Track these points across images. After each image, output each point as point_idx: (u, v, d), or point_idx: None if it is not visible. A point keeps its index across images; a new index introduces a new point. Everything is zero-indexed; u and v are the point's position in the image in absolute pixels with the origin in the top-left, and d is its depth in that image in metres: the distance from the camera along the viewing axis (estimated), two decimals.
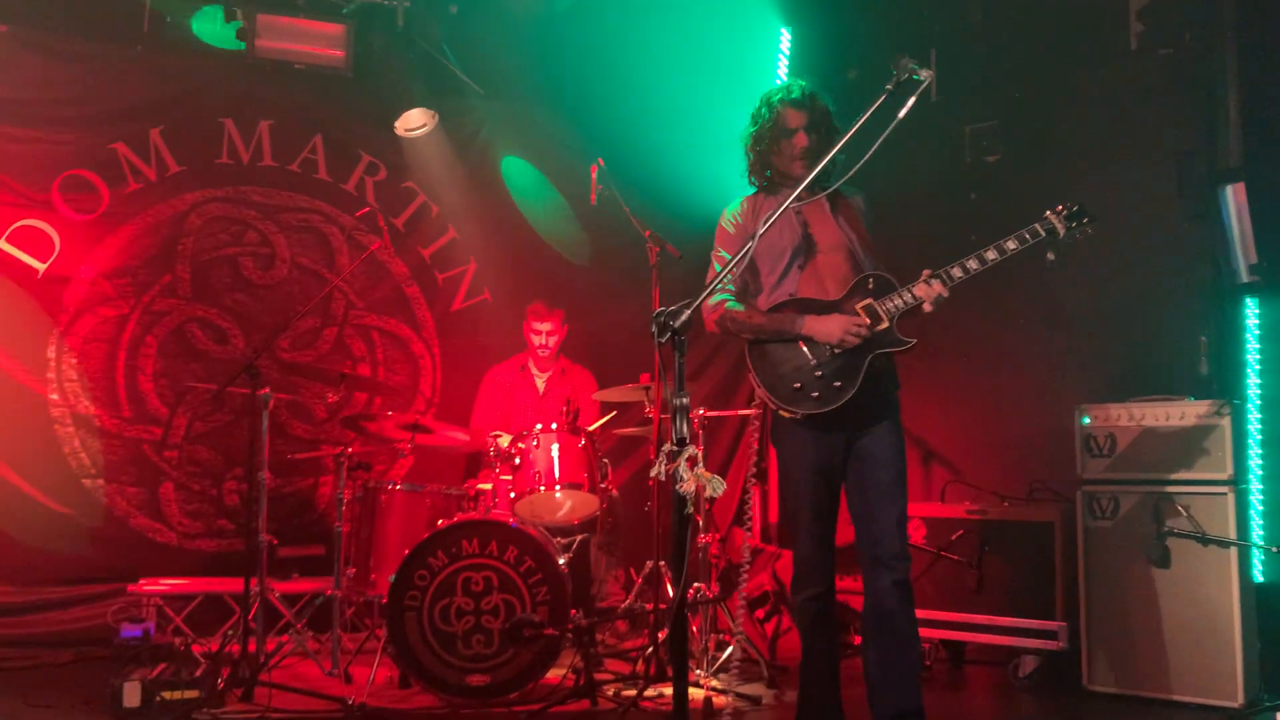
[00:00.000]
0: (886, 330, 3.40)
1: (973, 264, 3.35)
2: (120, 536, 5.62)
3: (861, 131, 2.92)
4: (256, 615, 4.70)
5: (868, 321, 3.37)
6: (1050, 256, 3.44)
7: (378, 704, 4.25)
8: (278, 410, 5.87)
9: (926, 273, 3.36)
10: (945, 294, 3.33)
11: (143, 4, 5.70)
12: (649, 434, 5.11)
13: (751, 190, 3.70)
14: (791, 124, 3.50)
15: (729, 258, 3.55)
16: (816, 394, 3.38)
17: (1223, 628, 4.17)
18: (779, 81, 3.41)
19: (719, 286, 3.52)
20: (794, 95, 3.52)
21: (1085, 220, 3.42)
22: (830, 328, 3.37)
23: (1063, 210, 3.42)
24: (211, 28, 5.85)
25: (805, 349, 3.42)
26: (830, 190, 3.36)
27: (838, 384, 3.37)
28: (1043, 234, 3.40)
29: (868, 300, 3.43)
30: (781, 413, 3.46)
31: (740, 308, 3.54)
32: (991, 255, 3.35)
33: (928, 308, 3.36)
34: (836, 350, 3.38)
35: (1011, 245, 3.36)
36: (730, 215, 3.66)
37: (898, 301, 3.40)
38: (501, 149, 6.56)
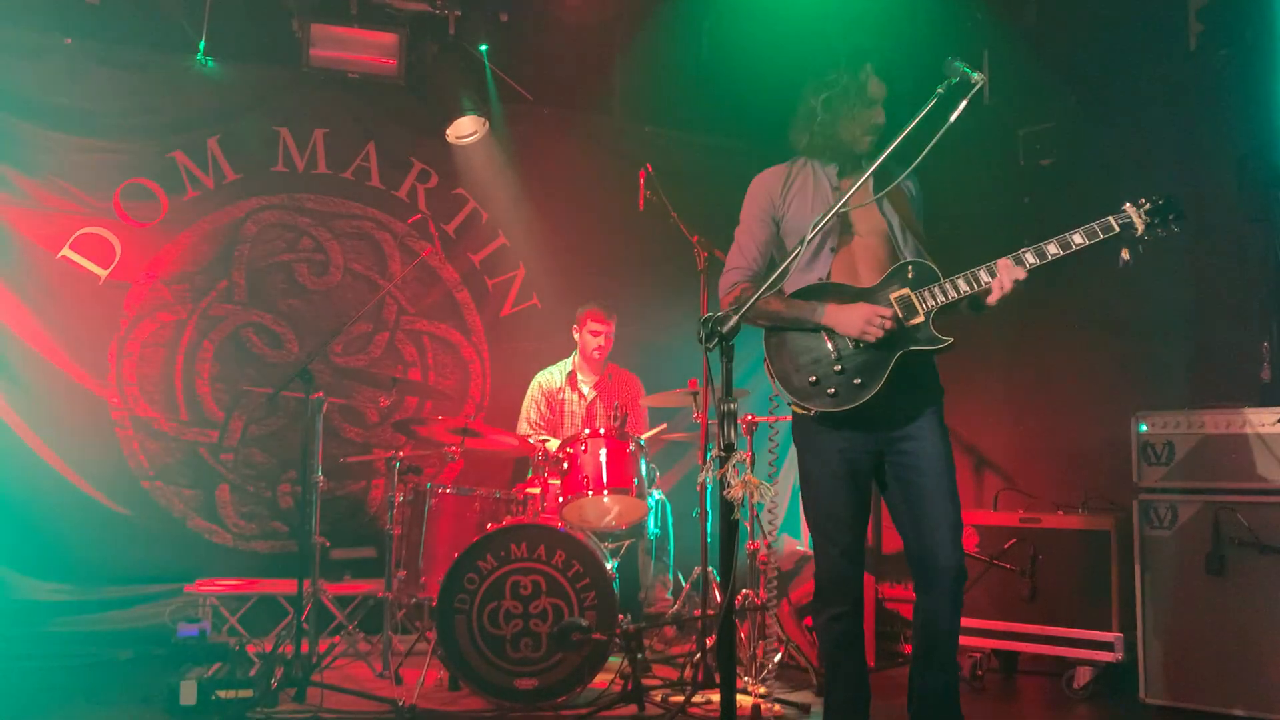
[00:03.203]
0: (920, 326, 3.08)
1: (1030, 257, 3.04)
2: (177, 537, 5.73)
3: (913, 135, 2.90)
4: (309, 616, 4.76)
5: (891, 312, 3.05)
6: (1125, 256, 3.04)
7: (427, 706, 4.29)
8: (331, 414, 5.95)
9: (1003, 261, 3.05)
10: (1022, 278, 3.01)
11: (201, 18, 5.80)
12: (697, 439, 5.11)
13: (788, 158, 3.36)
14: (875, 94, 3.17)
15: (754, 233, 3.31)
16: (833, 390, 3.09)
17: None
18: (856, 45, 3.15)
19: (737, 265, 3.29)
20: (882, 65, 3.20)
21: (1171, 217, 3.02)
22: (851, 318, 3.06)
23: (1145, 204, 3.04)
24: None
25: (827, 340, 3.13)
26: (880, 172, 3.06)
27: (857, 381, 3.07)
28: (1116, 228, 3.03)
29: (904, 290, 3.11)
30: (794, 408, 3.19)
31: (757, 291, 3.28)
32: (1053, 250, 3.02)
33: (996, 295, 3.03)
34: (860, 344, 3.08)
35: (1078, 240, 3.02)
36: (760, 185, 3.34)
37: (938, 294, 3.09)
38: (550, 155, 6.60)
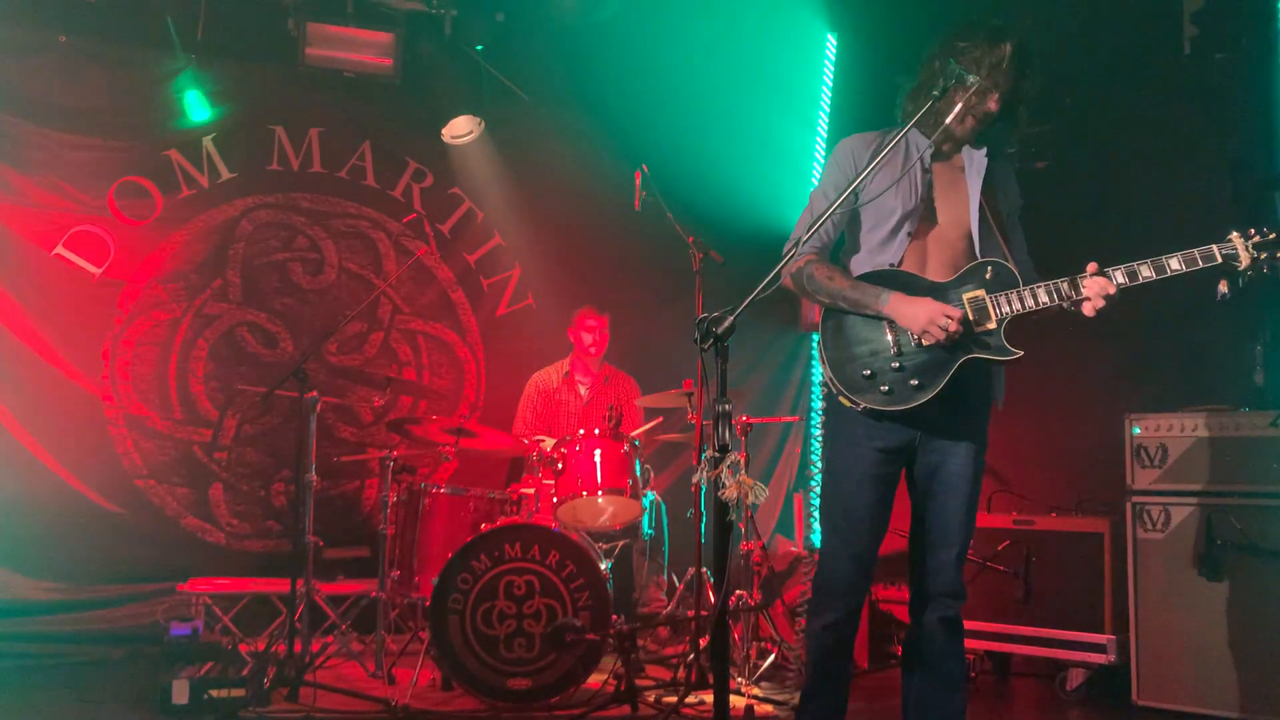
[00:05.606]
0: (991, 333, 2.87)
1: (1120, 276, 2.83)
2: (171, 536, 5.72)
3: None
4: (302, 616, 4.75)
5: (960, 314, 2.83)
6: (1223, 289, 2.86)
7: (420, 706, 4.28)
8: (325, 413, 5.94)
9: (1093, 266, 2.84)
10: (1113, 292, 2.80)
11: (196, 16, 5.79)
12: (692, 440, 5.11)
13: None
14: (1002, 78, 2.94)
15: (830, 199, 2.97)
16: (886, 387, 2.89)
17: (1278, 643, 4.07)
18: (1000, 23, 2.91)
19: (803, 236, 2.90)
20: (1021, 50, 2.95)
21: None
22: (916, 312, 2.83)
23: (1255, 236, 2.81)
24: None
25: (889, 332, 2.91)
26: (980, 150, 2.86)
27: (915, 382, 2.86)
28: (1219, 259, 2.81)
29: (978, 292, 2.89)
30: (840, 399, 2.97)
31: (824, 265, 3.01)
32: (1146, 272, 2.80)
33: (1091, 309, 2.82)
34: (923, 341, 2.87)
35: (1175, 265, 2.80)
36: (846, 148, 3.08)
37: (1014, 301, 2.87)
38: (546, 155, 6.60)
